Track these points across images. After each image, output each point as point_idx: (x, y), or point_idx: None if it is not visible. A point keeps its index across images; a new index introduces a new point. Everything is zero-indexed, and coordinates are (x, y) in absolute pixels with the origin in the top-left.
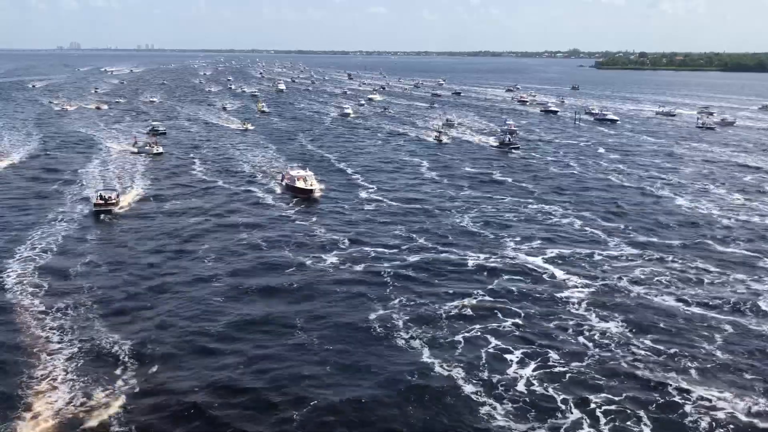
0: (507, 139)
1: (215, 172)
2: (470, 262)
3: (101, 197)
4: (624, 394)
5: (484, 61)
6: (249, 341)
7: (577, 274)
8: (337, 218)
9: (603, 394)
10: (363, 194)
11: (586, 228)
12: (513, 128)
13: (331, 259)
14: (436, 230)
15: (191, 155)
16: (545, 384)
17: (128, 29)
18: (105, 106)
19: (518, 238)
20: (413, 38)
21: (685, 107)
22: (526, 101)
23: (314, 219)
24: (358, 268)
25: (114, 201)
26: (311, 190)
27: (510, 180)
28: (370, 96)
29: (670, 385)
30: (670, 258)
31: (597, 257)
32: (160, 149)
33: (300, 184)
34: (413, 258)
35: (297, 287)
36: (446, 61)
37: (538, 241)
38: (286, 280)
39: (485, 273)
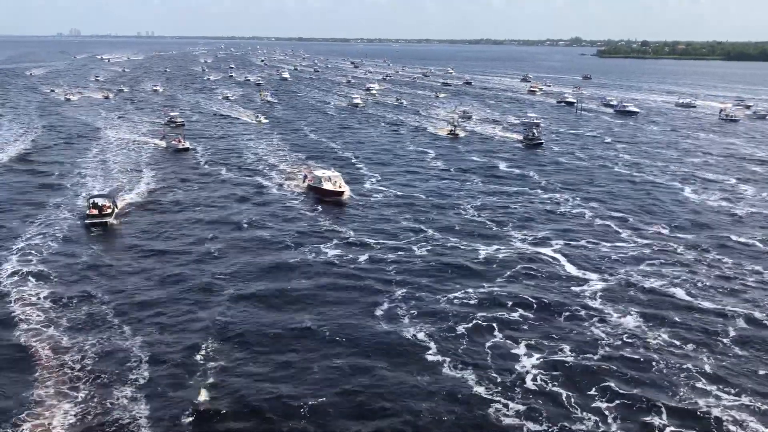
0: (532, 134)
1: (227, 170)
2: (482, 253)
3: (94, 205)
4: (637, 389)
5: (486, 50)
6: (256, 339)
7: (588, 266)
8: (348, 213)
9: (615, 389)
10: (368, 185)
11: (597, 219)
12: (536, 121)
13: (334, 251)
14: (453, 228)
15: (200, 151)
16: (556, 378)
17: (128, 16)
18: (111, 95)
19: (528, 230)
20: (414, 26)
21: (705, 98)
22: (536, 91)
23: (336, 217)
24: (363, 259)
25: (109, 210)
26: (341, 193)
27: (532, 176)
28: (369, 85)
29: (684, 380)
30: (683, 249)
31: (609, 249)
32: (187, 144)
33: (327, 185)
34: (421, 250)
35: (303, 282)
36: (447, 49)
37: (550, 233)
38: (292, 275)
39: (494, 265)
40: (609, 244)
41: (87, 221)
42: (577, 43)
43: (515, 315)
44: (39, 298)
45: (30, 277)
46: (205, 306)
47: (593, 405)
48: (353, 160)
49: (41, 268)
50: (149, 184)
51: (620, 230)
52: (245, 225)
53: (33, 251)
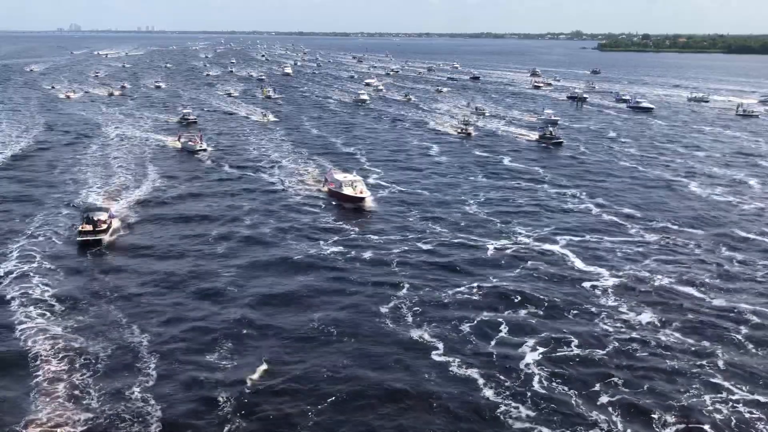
0: (549, 132)
1: (238, 174)
2: (489, 249)
3: (88, 220)
4: (647, 387)
5: (487, 43)
6: (261, 338)
7: (597, 263)
8: (360, 213)
9: (625, 387)
10: (377, 185)
11: (603, 215)
12: (554, 118)
13: (337, 248)
14: (461, 225)
15: (209, 152)
16: (565, 376)
17: (128, 11)
18: (116, 92)
19: (537, 226)
20: (414, 20)
21: (717, 93)
22: (541, 86)
23: (346, 216)
24: (366, 256)
25: (105, 226)
26: (362, 199)
27: (550, 176)
28: (367, 80)
29: (696, 377)
30: (693, 245)
31: (618, 245)
32: (203, 145)
33: (347, 190)
34: (426, 246)
35: (307, 280)
36: (448, 43)
37: (563, 229)
38: (297, 273)
39: (502, 261)
40: (618, 240)
41: (79, 239)
42: (577, 36)
43: (523, 312)
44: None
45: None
46: (215, 329)
47: (603, 404)
48: (360, 158)
49: (19, 296)
50: (154, 192)
51: (633, 226)
52: (258, 240)
53: (11, 278)
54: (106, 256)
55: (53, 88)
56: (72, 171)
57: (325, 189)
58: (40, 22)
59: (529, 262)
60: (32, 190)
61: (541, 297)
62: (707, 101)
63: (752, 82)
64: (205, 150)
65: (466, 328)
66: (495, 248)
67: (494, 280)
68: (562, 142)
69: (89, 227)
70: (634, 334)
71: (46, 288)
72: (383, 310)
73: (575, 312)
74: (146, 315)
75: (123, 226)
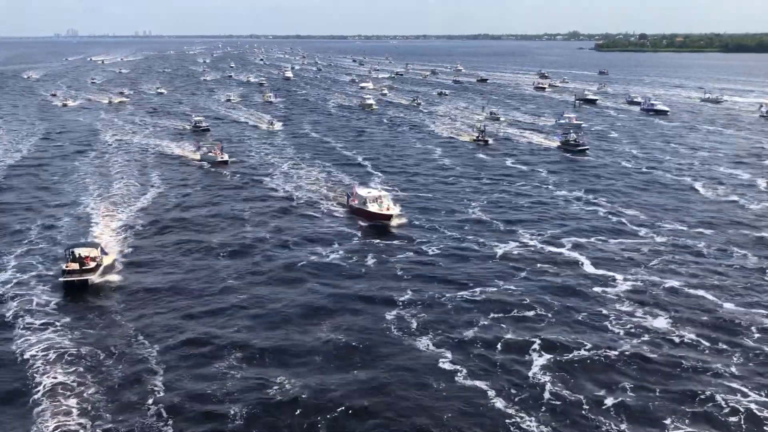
0: (573, 139)
1: (248, 191)
2: (498, 253)
3: (73, 257)
4: (659, 390)
5: (484, 45)
6: (267, 345)
7: (607, 266)
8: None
9: (637, 391)
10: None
11: (611, 217)
12: (576, 122)
13: (340, 254)
14: (469, 229)
15: (228, 164)
16: (575, 381)
17: (126, 16)
18: (117, 99)
19: (544, 229)
20: (411, 22)
21: (727, 93)
22: (545, 88)
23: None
24: (371, 262)
25: (94, 264)
26: (389, 217)
27: (564, 179)
28: (362, 84)
29: (709, 380)
30: (702, 246)
31: (628, 248)
32: (225, 157)
33: (373, 207)
34: (432, 249)
35: (310, 287)
36: (445, 45)
37: (568, 232)
38: (300, 277)
39: (511, 265)
40: (628, 243)
41: (63, 279)
42: (575, 36)
43: (533, 316)
44: None
45: None
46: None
47: (614, 410)
48: (368, 166)
49: None
50: (157, 215)
51: (645, 230)
52: (271, 275)
53: None
54: (90, 301)
55: (54, 95)
56: (65, 189)
57: (349, 205)
58: (37, 29)
59: (539, 266)
60: (16, 213)
61: (551, 301)
62: (720, 102)
63: (760, 81)
64: (226, 162)
65: (474, 334)
66: (503, 252)
67: (502, 284)
68: (587, 149)
69: (75, 265)
70: (645, 338)
71: (14, 345)
72: (389, 317)
73: (585, 316)
74: (140, 378)
75: (117, 262)
